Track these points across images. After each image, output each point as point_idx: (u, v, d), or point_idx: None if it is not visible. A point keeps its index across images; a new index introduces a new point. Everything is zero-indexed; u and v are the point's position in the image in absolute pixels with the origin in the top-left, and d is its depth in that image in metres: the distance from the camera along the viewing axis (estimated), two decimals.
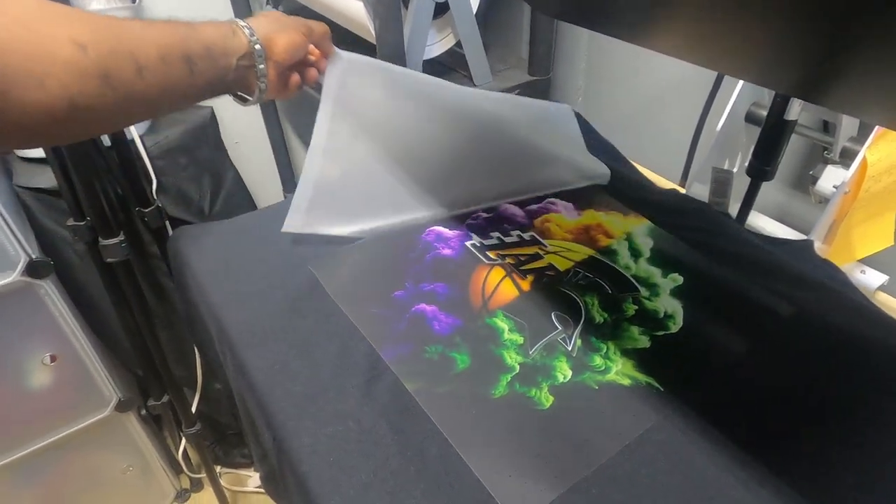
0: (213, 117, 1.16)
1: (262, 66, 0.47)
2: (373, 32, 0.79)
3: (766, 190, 0.81)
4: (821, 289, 0.57)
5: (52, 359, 0.96)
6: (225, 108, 1.33)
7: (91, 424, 1.05)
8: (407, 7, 0.86)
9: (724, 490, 0.40)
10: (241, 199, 1.28)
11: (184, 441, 1.19)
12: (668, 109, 1.03)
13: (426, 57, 0.96)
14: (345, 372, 0.48)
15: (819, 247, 0.75)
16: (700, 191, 0.82)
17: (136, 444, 1.15)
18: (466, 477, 0.41)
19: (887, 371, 0.48)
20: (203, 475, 1.26)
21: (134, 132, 1.00)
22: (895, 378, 0.47)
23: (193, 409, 1.13)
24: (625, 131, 1.13)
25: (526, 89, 1.04)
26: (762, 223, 0.82)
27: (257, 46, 0.46)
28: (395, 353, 0.49)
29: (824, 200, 0.74)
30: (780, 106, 0.66)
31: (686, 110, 0.89)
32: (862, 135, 0.72)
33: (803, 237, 0.78)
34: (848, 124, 0.73)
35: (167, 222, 1.07)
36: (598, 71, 1.13)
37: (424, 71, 0.97)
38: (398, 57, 0.83)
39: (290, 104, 1.43)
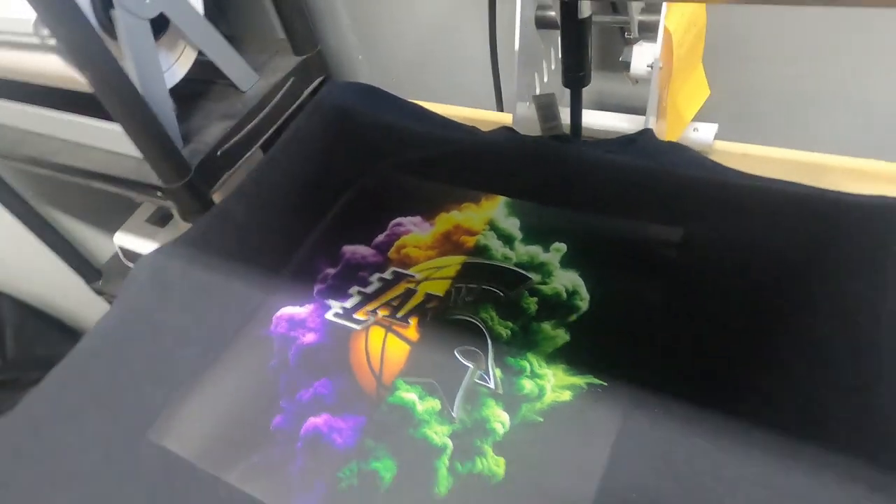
0: None
1: None
2: (85, 82, 0.61)
3: None
4: (692, 183, 0.54)
5: None
6: None
7: None
8: (116, 39, 0.68)
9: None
10: (40, 326, 1.04)
11: None
12: (457, 38, 0.95)
13: (170, 84, 0.78)
14: None
15: (656, 126, 0.73)
16: (526, 112, 0.76)
17: None
18: None
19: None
20: None
21: None
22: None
23: None
24: (423, 80, 1.04)
25: (301, 73, 0.90)
26: (594, 120, 0.79)
27: None
28: None
29: (643, 80, 0.72)
30: (570, 8, 0.60)
31: (474, 33, 0.83)
32: (650, 3, 0.69)
33: (637, 119, 0.76)
34: None
35: None
36: (368, 27, 1.01)
37: (177, 99, 0.80)
38: (133, 100, 0.65)
39: (46, 184, 1.15)
